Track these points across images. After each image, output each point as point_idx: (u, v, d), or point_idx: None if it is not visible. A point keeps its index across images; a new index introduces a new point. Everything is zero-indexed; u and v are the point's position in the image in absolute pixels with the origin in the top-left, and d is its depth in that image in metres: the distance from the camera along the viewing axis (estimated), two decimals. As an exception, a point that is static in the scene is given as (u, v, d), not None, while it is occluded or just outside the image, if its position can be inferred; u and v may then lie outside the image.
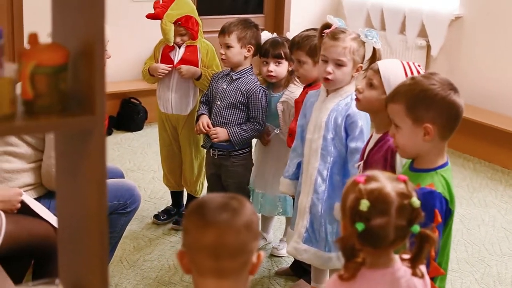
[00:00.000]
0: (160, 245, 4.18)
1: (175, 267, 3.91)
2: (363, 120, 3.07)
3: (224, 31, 3.90)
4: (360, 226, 1.82)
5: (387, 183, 1.87)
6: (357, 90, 2.82)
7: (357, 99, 2.84)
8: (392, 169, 2.66)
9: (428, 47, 6.59)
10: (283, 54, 3.75)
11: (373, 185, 1.86)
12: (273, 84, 3.89)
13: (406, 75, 2.69)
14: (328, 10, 7.53)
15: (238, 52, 3.89)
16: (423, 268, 1.95)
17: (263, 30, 4.12)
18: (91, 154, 1.46)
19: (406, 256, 1.93)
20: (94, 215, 1.50)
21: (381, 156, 2.74)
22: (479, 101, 5.98)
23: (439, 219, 2.19)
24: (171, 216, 4.50)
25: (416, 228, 1.86)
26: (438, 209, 2.19)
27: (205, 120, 3.91)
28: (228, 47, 3.88)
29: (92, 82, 1.43)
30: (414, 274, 1.92)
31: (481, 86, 5.97)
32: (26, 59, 1.41)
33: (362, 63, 3.13)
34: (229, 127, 3.85)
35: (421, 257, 1.91)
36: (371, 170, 2.71)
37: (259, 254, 1.76)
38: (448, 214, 2.27)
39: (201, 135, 4.07)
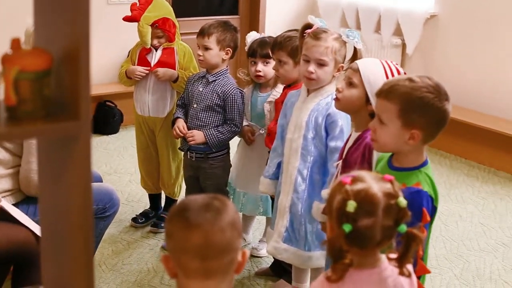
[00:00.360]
0: (138, 248, 4.16)
1: (154, 270, 3.89)
2: (343, 120, 3.08)
3: (203, 33, 3.88)
4: (347, 227, 1.81)
5: (373, 183, 1.87)
6: (337, 90, 2.82)
7: (336, 99, 2.83)
8: (370, 166, 2.66)
9: (404, 45, 6.63)
10: (271, 54, 3.74)
11: (359, 186, 1.86)
12: (260, 84, 3.89)
13: (386, 74, 2.69)
14: (303, 10, 7.54)
15: (216, 54, 3.87)
16: (409, 267, 1.96)
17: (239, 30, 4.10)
18: (76, 160, 1.44)
19: (393, 256, 1.93)
20: (79, 221, 1.49)
21: (359, 154, 2.74)
22: (454, 98, 5.94)
23: (428, 218, 2.20)
24: (149, 219, 4.47)
25: (403, 227, 1.87)
26: (426, 208, 2.20)
27: (180, 123, 3.90)
28: (206, 48, 3.86)
29: (76, 87, 1.41)
30: (401, 273, 1.92)
31: (456, 84, 6.01)
32: (9, 65, 1.38)
33: (343, 63, 3.14)
34: (206, 130, 3.84)
35: (408, 256, 1.91)
36: (350, 168, 2.73)
37: (244, 252, 1.77)
38: (433, 212, 2.28)
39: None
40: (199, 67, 4.11)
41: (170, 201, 4.46)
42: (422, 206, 2.18)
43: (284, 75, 3.54)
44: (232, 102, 3.83)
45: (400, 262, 1.92)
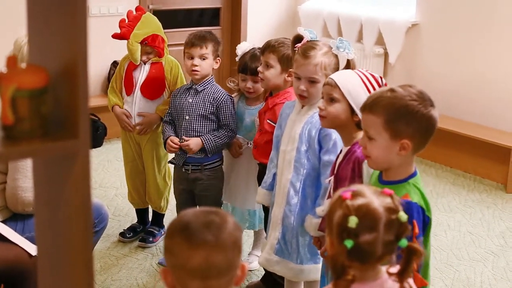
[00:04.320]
0: (127, 263, 4.10)
1: (144, 285, 3.85)
2: (337, 133, 3.06)
3: (200, 43, 3.84)
4: (349, 243, 1.79)
5: (374, 198, 1.85)
6: (319, 109, 2.81)
7: (322, 117, 2.81)
8: (360, 180, 2.64)
9: (386, 54, 6.64)
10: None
11: (360, 201, 1.83)
12: (247, 97, 3.86)
13: (363, 81, 2.69)
14: (285, 20, 7.54)
15: (211, 64, 3.87)
16: (410, 281, 1.93)
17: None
18: (75, 178, 1.41)
19: (394, 270, 1.91)
20: (79, 242, 1.45)
21: (349, 169, 2.72)
22: (438, 107, 5.99)
23: (417, 230, 2.17)
24: (137, 233, 4.43)
25: (404, 242, 1.85)
26: (416, 219, 2.16)
27: (173, 139, 3.85)
28: (203, 58, 3.83)
29: (75, 104, 1.38)
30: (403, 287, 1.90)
31: (439, 92, 6.02)
32: (6, 83, 1.35)
33: None
34: (202, 136, 3.79)
35: (408, 271, 1.89)
36: (342, 184, 2.71)
37: (243, 266, 1.76)
38: (426, 222, 2.26)
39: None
40: (192, 79, 3.95)
41: (157, 215, 4.42)
42: (413, 218, 2.14)
43: (267, 78, 3.51)
44: (225, 107, 3.80)
45: (401, 277, 1.90)
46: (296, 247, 3.19)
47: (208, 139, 3.78)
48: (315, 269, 3.19)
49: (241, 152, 3.85)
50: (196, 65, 3.82)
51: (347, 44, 3.06)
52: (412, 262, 1.89)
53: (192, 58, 3.84)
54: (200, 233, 1.67)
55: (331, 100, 2.74)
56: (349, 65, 3.04)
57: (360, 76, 2.71)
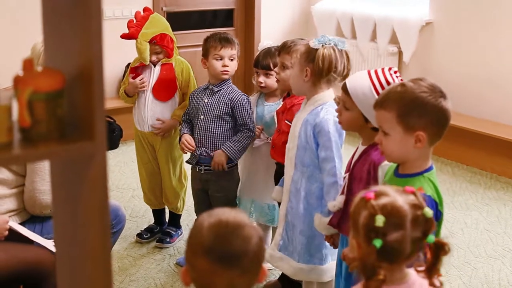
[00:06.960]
0: (145, 264, 4.12)
1: (162, 285, 3.86)
2: (332, 127, 3.05)
3: (229, 44, 3.89)
4: (378, 243, 1.79)
5: (397, 196, 1.85)
6: (337, 112, 2.84)
7: (339, 122, 2.85)
8: (376, 183, 2.64)
9: (400, 53, 6.63)
10: (271, 65, 3.73)
11: (384, 200, 1.84)
12: (265, 93, 3.88)
13: (374, 85, 2.66)
14: (298, 21, 7.55)
15: (236, 65, 3.92)
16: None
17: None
18: (92, 180, 1.42)
19: (421, 268, 1.91)
20: (97, 243, 1.46)
21: (365, 170, 2.73)
22: (453, 104, 5.97)
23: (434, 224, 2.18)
24: (154, 234, 4.45)
25: (432, 238, 1.85)
26: None
27: (188, 138, 3.88)
28: (231, 59, 3.89)
29: (91, 106, 1.39)
30: (431, 284, 1.90)
31: (453, 90, 5.92)
32: (22, 86, 1.37)
33: (317, 69, 3.07)
34: (223, 146, 3.79)
35: (437, 267, 1.89)
36: (356, 183, 2.72)
37: (263, 270, 1.76)
38: (438, 216, 2.27)
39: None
40: (211, 80, 3.95)
41: (174, 216, 4.44)
42: None
43: (284, 79, 3.54)
44: (241, 107, 3.81)
45: (430, 273, 1.90)
46: (295, 245, 3.20)
47: (229, 147, 3.78)
48: (318, 270, 3.20)
49: (261, 130, 3.85)
50: (227, 65, 3.86)
51: (324, 38, 3.05)
52: (441, 257, 1.89)
53: (221, 59, 3.87)
54: (224, 263, 1.68)
55: (346, 108, 2.77)
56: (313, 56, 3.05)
57: (372, 79, 2.69)
